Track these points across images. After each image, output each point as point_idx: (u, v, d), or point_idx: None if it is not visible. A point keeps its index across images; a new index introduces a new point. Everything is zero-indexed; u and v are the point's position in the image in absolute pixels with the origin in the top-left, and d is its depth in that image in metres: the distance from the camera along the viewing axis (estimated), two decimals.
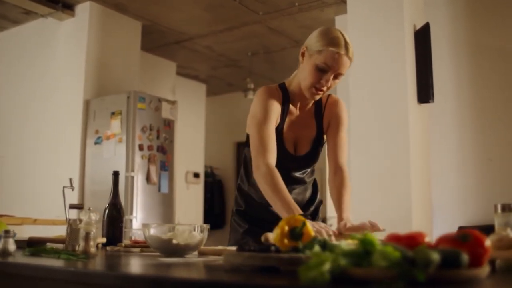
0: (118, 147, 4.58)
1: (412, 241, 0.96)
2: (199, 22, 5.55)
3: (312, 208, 1.99)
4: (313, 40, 1.76)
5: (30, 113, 5.19)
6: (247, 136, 1.91)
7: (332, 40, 1.71)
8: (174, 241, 1.48)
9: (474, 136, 4.15)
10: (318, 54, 1.71)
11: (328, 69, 1.71)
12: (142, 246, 1.76)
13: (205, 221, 7.45)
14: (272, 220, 1.65)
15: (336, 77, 1.74)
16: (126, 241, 1.97)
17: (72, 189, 1.82)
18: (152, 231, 1.55)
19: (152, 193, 4.70)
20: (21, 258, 1.36)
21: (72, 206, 1.70)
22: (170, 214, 4.86)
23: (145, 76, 5.97)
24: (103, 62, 4.98)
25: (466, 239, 0.85)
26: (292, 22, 5.48)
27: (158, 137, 4.78)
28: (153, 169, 4.69)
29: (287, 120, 1.87)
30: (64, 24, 5.01)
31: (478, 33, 4.24)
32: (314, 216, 2.00)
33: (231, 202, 9.25)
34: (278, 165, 1.82)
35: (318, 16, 5.27)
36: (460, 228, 3.95)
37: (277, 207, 1.67)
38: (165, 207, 4.80)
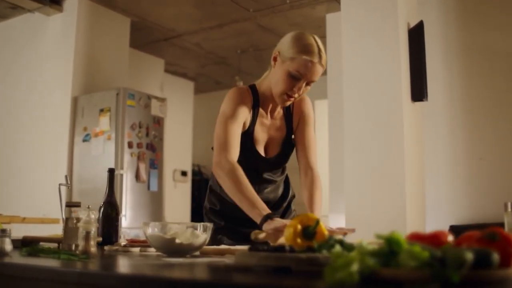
0: (107, 145, 4.50)
1: (435, 240, 0.93)
2: (189, 18, 5.49)
3: (285, 204, 2.00)
4: (285, 46, 1.73)
5: (17, 110, 5.08)
6: None
7: (305, 47, 1.69)
8: (177, 241, 1.43)
9: (465, 135, 4.16)
10: (291, 61, 1.70)
11: (301, 77, 1.70)
12: (141, 245, 1.71)
13: (193, 220, 7.39)
14: (248, 217, 1.65)
15: (308, 84, 1.74)
16: (122, 241, 1.92)
17: (68, 187, 1.76)
18: (153, 230, 1.51)
19: (141, 191, 4.63)
20: (20, 259, 1.31)
21: (68, 204, 1.65)
22: (159, 212, 4.80)
23: (133, 73, 5.89)
24: (91, 58, 4.89)
25: (495, 238, 0.83)
26: (283, 20, 5.45)
27: (147, 135, 4.72)
28: (142, 167, 4.62)
29: (257, 123, 1.86)
30: (52, 19, 4.91)
31: (470, 32, 4.26)
32: (287, 210, 2.02)
33: None
34: (249, 166, 1.82)
35: (309, 14, 5.25)
36: (452, 227, 3.96)
37: (243, 206, 1.65)
38: (154, 205, 4.74)
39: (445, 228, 3.82)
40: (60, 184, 1.72)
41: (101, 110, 4.55)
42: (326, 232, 1.12)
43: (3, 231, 1.41)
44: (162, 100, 4.91)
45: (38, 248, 1.43)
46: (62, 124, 4.68)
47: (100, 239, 1.92)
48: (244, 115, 1.80)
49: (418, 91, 3.52)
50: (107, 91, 4.61)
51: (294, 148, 1.96)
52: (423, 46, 3.57)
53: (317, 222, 1.11)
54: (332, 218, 4.83)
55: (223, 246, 1.64)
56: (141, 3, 5.06)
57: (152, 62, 6.54)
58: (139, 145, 4.62)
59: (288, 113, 1.93)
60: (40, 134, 4.83)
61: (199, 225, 1.52)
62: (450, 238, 0.93)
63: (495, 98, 4.12)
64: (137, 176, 4.57)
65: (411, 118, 3.50)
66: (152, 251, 1.70)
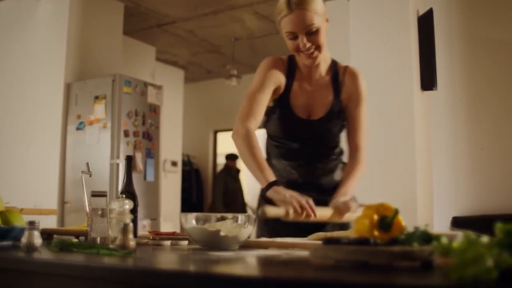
0: (102, 133, 4.33)
1: None
2: (184, 4, 5.33)
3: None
4: (275, 14, 1.77)
5: (7, 97, 4.86)
6: None
7: (278, 7, 1.71)
8: (222, 234, 1.33)
9: (467, 126, 4.12)
10: (280, 26, 1.72)
11: (294, 33, 1.68)
12: (172, 238, 1.60)
13: (182, 210, 7.27)
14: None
15: (308, 34, 1.67)
16: (145, 233, 1.81)
17: (90, 175, 1.64)
18: (192, 222, 1.40)
19: (137, 181, 4.48)
20: (54, 255, 1.18)
21: (94, 194, 1.52)
22: (155, 203, 4.66)
23: (124, 60, 5.71)
24: (84, 44, 4.70)
25: None
26: None
27: (143, 123, 4.57)
28: (139, 156, 4.48)
29: (295, 87, 1.82)
30: (43, 3, 4.70)
31: (473, 22, 4.20)
32: None
33: (209, 191, 9.01)
34: (289, 133, 1.80)
35: None
36: (454, 218, 3.93)
37: (252, 169, 1.67)
38: (151, 195, 4.60)
39: (448, 219, 3.79)
40: (82, 172, 1.60)
41: (96, 97, 4.38)
42: (403, 223, 1.02)
43: (31, 223, 1.28)
44: (158, 87, 4.76)
45: (70, 243, 1.31)
46: (54, 112, 4.50)
47: None
48: (273, 82, 1.78)
49: (428, 80, 3.45)
50: (103, 78, 4.43)
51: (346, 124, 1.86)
52: (433, 34, 3.50)
53: (396, 211, 1.01)
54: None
55: (263, 239, 1.54)
56: None
57: (144, 49, 6.36)
58: (135, 134, 4.47)
59: (336, 81, 1.83)
60: (31, 122, 4.64)
61: (241, 216, 1.42)
62: None
63: (496, 89, 4.08)
64: (134, 166, 4.41)
65: (421, 108, 3.43)
66: (183, 244, 1.59)
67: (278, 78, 1.80)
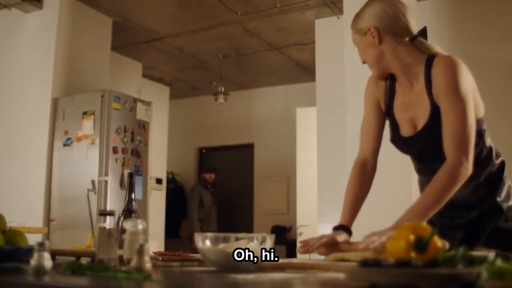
0: (90, 150, 4.24)
1: None
2: (173, 20, 5.31)
3: (474, 213, 1.61)
4: None
5: None
6: None
7: None
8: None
9: None
10: None
11: None
12: (182, 259, 1.55)
13: (166, 229, 7.16)
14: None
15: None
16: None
17: (95, 193, 1.57)
18: (207, 243, 1.34)
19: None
20: (70, 279, 1.12)
21: (102, 213, 1.46)
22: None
23: (110, 76, 5.63)
24: (72, 58, 4.62)
25: None
26: (270, 24, 5.35)
27: (132, 140, 4.49)
28: (127, 174, 4.39)
29: (397, 102, 1.68)
30: (30, 16, 4.62)
31: (462, 40, 4.27)
32: (478, 228, 1.62)
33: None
34: (404, 152, 1.72)
35: (298, 19, 5.17)
36: None
37: None
38: (139, 214, 4.50)
39: None
40: (88, 190, 1.53)
41: (85, 113, 4.29)
42: (440, 244, 0.99)
43: (41, 244, 1.21)
44: (147, 104, 4.70)
45: (81, 265, 1.24)
46: (41, 128, 4.39)
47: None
48: (371, 101, 1.75)
49: None
50: (92, 93, 4.35)
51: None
52: None
53: (433, 232, 0.98)
54: (320, 228, 4.72)
55: (282, 261, 1.49)
56: (125, 2, 4.84)
57: (130, 65, 6.29)
58: (124, 151, 4.38)
59: (428, 81, 1.56)
60: (16, 137, 4.51)
61: (256, 236, 1.37)
62: None
63: (490, 106, 4.13)
64: (122, 183, 4.31)
65: None
66: (193, 265, 1.54)
67: (374, 93, 1.73)
